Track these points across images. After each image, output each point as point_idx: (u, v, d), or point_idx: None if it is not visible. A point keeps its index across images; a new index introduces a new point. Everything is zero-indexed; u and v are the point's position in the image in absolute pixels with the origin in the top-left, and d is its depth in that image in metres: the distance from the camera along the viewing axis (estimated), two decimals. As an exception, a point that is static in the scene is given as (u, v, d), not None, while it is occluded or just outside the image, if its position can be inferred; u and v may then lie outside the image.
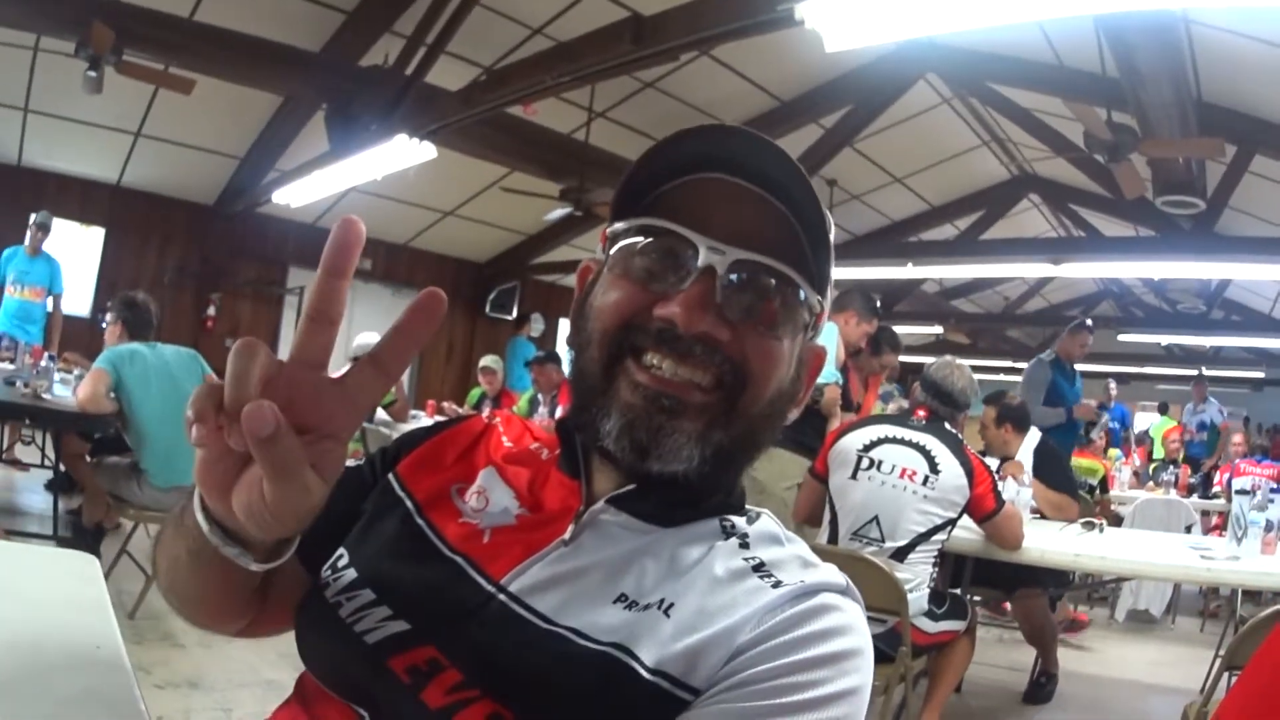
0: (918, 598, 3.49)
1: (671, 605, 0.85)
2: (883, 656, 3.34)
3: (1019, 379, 7.37)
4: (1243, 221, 9.60)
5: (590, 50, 6.79)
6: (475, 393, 9.62)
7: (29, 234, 8.26)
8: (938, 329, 16.87)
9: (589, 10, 7.71)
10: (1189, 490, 8.94)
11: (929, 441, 3.70)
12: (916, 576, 3.52)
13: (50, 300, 8.41)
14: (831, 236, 0.95)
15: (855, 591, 0.91)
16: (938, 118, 10.41)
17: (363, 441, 7.08)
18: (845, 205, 12.27)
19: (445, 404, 9.08)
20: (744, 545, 0.93)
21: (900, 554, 3.54)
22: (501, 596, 0.89)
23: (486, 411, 1.15)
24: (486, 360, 9.35)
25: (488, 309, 15.08)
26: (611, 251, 0.94)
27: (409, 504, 1.02)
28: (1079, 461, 6.90)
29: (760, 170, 0.90)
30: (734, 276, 0.88)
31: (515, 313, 14.76)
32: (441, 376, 14.59)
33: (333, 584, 0.94)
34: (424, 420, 7.87)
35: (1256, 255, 8.37)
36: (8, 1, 6.92)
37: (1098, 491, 7.12)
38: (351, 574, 0.94)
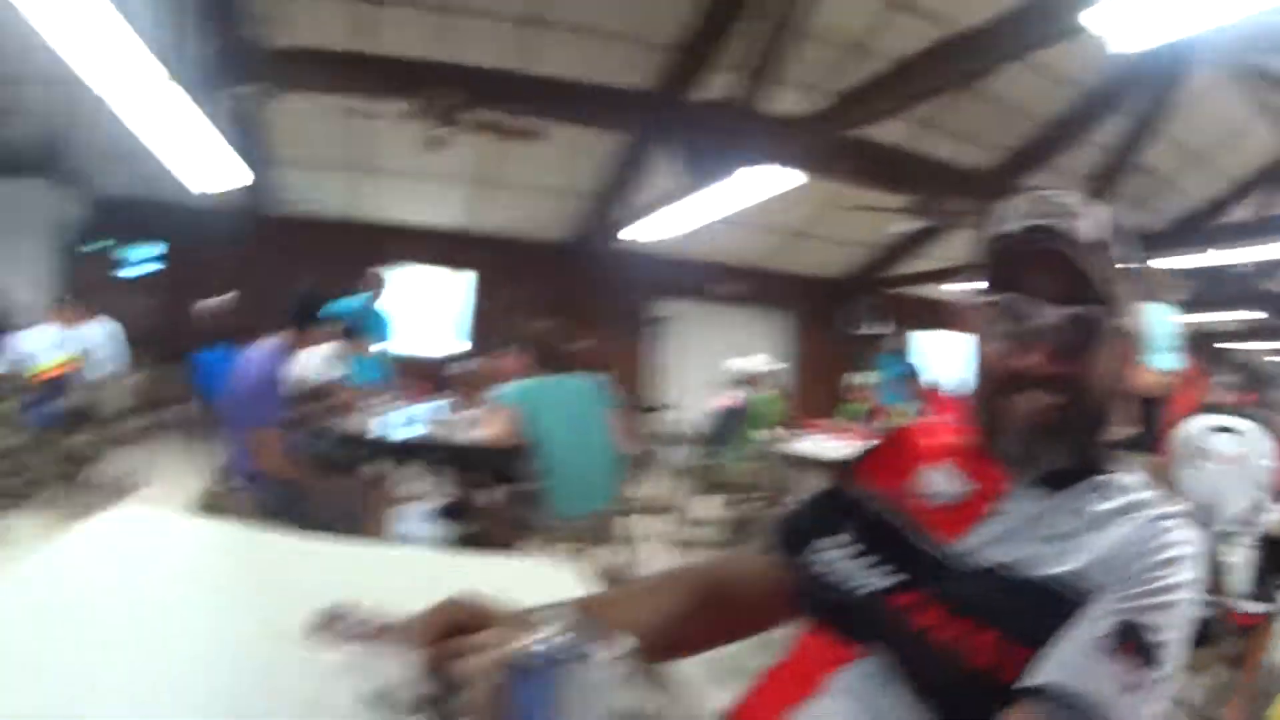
0: (1239, 580, 3.60)
1: (1071, 537, 1.18)
2: (1204, 638, 3.53)
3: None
4: None
5: (918, 73, 7.13)
6: (848, 408, 9.92)
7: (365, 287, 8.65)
8: (1259, 313, 15.83)
9: (903, 26, 7.97)
10: None
11: (1249, 425, 3.81)
12: (1239, 559, 3.64)
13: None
14: (1123, 249, 1.27)
15: (1189, 513, 1.22)
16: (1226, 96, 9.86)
17: (760, 459, 7.42)
18: (1158, 195, 11.91)
19: (821, 421, 9.33)
20: (1113, 493, 1.24)
21: (1225, 536, 3.66)
22: (962, 553, 1.23)
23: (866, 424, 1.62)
24: (858, 377, 9.79)
25: (845, 325, 15.20)
26: (978, 307, 1.28)
27: (879, 494, 1.37)
28: None
29: (1056, 227, 1.22)
30: (1059, 324, 1.20)
31: (873, 328, 14.80)
32: (810, 395, 14.45)
33: (829, 554, 1.33)
34: (808, 439, 8.00)
35: None
36: (353, 72, 7.68)
37: None
38: (845, 543, 1.33)
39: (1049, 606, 1.12)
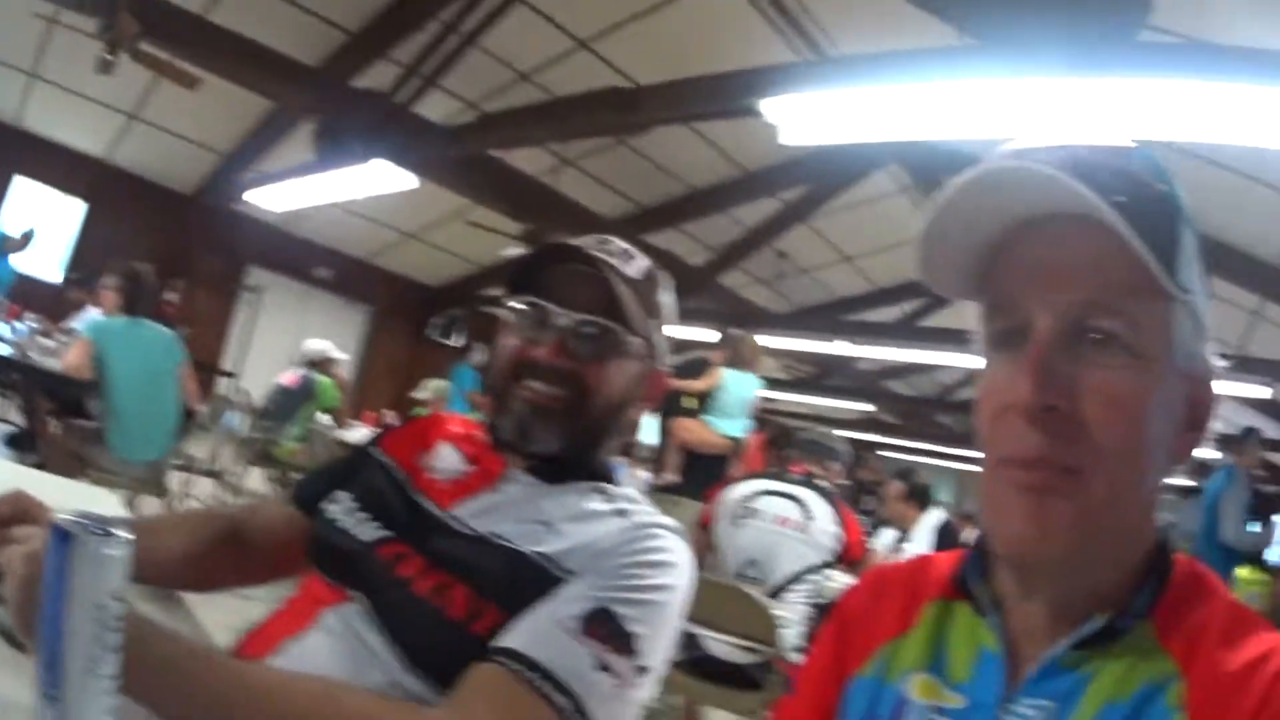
0: (793, 634, 3.69)
1: (558, 524, 1.32)
2: (753, 683, 3.66)
3: (946, 463, 7.05)
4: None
5: (578, 113, 7.18)
6: (415, 410, 9.84)
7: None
8: (869, 406, 17.24)
9: (580, 66, 8.16)
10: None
11: (804, 494, 4.09)
12: (793, 614, 3.78)
13: None
14: (658, 295, 1.49)
15: (682, 531, 1.38)
16: (895, 205, 10.40)
17: (308, 440, 7.53)
18: (793, 279, 12.73)
19: (383, 414, 9.59)
20: (609, 498, 1.40)
21: (777, 592, 3.84)
22: (451, 518, 1.36)
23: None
24: (428, 388, 9.94)
25: (431, 333, 15.40)
26: (510, 309, 1.43)
27: (389, 462, 1.50)
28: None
29: (595, 256, 1.39)
30: (573, 326, 1.37)
31: (462, 340, 14.85)
32: (380, 391, 14.77)
33: (335, 509, 1.43)
34: (363, 430, 8.15)
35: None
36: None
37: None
38: (350, 501, 1.43)
39: (525, 576, 1.25)
